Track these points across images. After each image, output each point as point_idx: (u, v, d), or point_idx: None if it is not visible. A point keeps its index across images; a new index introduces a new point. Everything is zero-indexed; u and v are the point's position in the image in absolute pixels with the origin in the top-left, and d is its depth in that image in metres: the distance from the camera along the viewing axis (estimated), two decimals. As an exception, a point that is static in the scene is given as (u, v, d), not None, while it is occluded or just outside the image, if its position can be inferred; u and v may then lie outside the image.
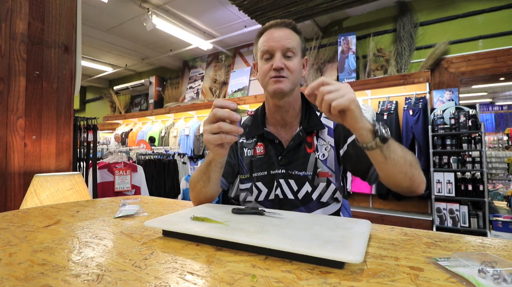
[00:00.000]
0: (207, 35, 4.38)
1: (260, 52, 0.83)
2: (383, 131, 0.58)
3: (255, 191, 0.88)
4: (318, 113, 0.89)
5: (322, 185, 0.83)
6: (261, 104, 0.97)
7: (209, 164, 0.75)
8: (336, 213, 0.85)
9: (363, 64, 3.56)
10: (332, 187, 0.83)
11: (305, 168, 0.84)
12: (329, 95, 0.55)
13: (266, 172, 0.87)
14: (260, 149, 0.89)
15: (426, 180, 0.70)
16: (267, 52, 0.81)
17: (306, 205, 0.84)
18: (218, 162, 0.74)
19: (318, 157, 0.84)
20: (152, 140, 4.64)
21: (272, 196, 0.86)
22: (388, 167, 0.63)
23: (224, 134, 0.63)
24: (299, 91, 0.88)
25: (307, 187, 0.83)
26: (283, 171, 0.85)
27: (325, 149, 0.84)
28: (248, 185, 0.89)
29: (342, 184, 0.88)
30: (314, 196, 0.83)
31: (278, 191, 0.85)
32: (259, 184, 0.87)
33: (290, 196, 0.84)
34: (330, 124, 0.86)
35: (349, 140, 0.80)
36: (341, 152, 0.83)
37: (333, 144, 0.84)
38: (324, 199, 0.83)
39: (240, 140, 0.93)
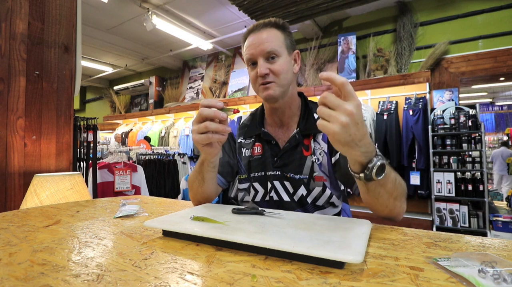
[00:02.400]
0: (207, 35, 4.38)
1: (246, 61, 0.83)
2: (373, 173, 0.53)
3: (252, 192, 0.87)
4: (316, 116, 0.86)
5: (317, 189, 0.81)
6: (261, 103, 0.97)
7: (202, 164, 0.74)
8: None
9: (363, 64, 3.56)
10: (328, 191, 0.81)
11: (301, 171, 0.82)
12: (322, 120, 0.50)
13: (262, 173, 0.86)
14: (257, 149, 0.89)
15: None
16: (250, 60, 0.81)
17: (303, 207, 0.83)
18: (210, 162, 0.73)
19: (315, 161, 0.82)
20: (147, 139, 4.63)
21: (267, 198, 0.85)
22: (368, 197, 0.61)
23: (211, 133, 0.62)
24: (294, 89, 0.86)
25: (302, 190, 0.82)
26: (278, 173, 0.84)
27: (320, 154, 0.83)
28: (246, 185, 0.89)
29: (341, 189, 0.86)
30: (309, 199, 0.82)
31: (273, 193, 0.84)
32: (256, 185, 0.87)
33: (286, 198, 0.83)
34: None
35: None
36: (333, 159, 0.81)
37: (326, 150, 0.82)
38: (320, 203, 0.82)
39: (239, 140, 0.93)
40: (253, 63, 0.81)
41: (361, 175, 0.55)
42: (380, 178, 0.54)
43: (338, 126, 0.47)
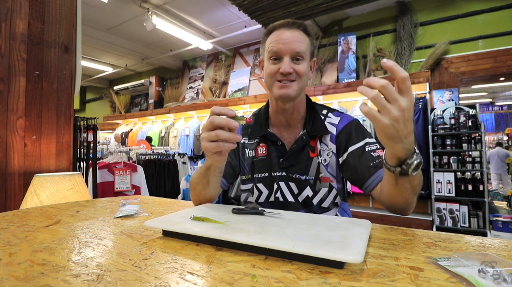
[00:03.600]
0: (207, 35, 4.38)
1: (268, 52, 0.80)
2: (410, 169, 0.53)
3: (256, 192, 0.87)
4: (323, 117, 0.87)
5: (324, 190, 0.82)
6: (261, 104, 0.96)
7: (208, 169, 0.74)
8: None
9: (363, 64, 3.56)
10: (334, 192, 0.82)
11: (307, 172, 0.82)
12: (373, 110, 0.49)
13: (267, 173, 0.86)
14: (262, 150, 0.88)
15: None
16: (275, 54, 0.79)
17: (308, 208, 0.83)
18: (217, 167, 0.73)
19: (321, 162, 0.82)
20: (149, 140, 4.64)
21: (272, 198, 0.85)
22: (393, 190, 0.62)
23: (222, 142, 0.62)
24: (304, 93, 0.87)
25: (308, 191, 0.82)
26: (284, 173, 0.84)
27: (327, 155, 0.83)
28: (249, 186, 0.89)
29: (342, 187, 0.87)
30: (315, 201, 0.82)
31: (278, 194, 0.84)
32: (260, 185, 0.87)
33: (291, 199, 0.83)
34: (333, 130, 0.85)
35: (350, 149, 0.80)
36: (340, 160, 0.82)
37: (334, 151, 0.83)
38: (325, 204, 0.82)
39: (242, 141, 0.92)
40: (275, 58, 0.79)
41: (397, 169, 0.55)
42: (414, 174, 0.55)
43: (389, 120, 0.48)
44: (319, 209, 0.82)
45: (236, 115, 0.63)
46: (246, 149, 0.91)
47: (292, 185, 0.83)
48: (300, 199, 0.83)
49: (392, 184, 0.61)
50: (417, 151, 0.55)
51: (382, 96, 0.48)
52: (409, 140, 0.51)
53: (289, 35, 0.78)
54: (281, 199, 0.84)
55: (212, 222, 0.55)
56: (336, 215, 0.85)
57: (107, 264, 0.40)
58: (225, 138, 0.61)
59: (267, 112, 0.92)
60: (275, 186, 0.84)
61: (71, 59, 1.68)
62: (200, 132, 4.34)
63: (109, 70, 6.09)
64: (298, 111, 0.86)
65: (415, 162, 0.53)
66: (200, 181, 0.78)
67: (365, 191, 0.77)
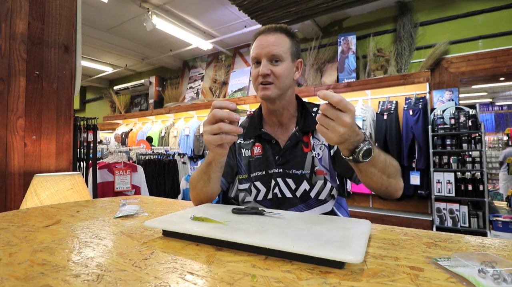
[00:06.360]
0: (207, 35, 4.38)
1: (251, 58, 0.87)
2: (360, 156, 0.59)
3: (254, 191, 0.88)
4: (314, 114, 0.91)
5: (319, 183, 0.84)
6: (260, 104, 0.99)
7: (210, 164, 0.75)
8: (332, 211, 0.87)
9: (363, 64, 3.56)
10: (329, 185, 0.85)
11: (303, 167, 0.85)
12: (322, 127, 0.57)
13: (264, 172, 0.88)
14: (258, 149, 0.91)
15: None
16: (255, 59, 0.85)
17: (305, 202, 0.85)
18: (219, 162, 0.75)
19: (315, 156, 0.86)
20: (149, 140, 4.63)
21: (270, 195, 0.87)
22: (362, 176, 0.69)
23: (224, 134, 0.64)
24: (293, 93, 0.91)
25: (305, 185, 0.85)
26: (280, 170, 0.87)
27: (320, 149, 0.87)
28: (246, 186, 0.90)
29: (339, 183, 0.89)
30: (312, 194, 0.85)
31: (276, 190, 0.86)
32: (258, 184, 0.88)
33: (288, 194, 0.85)
34: None
35: None
36: (332, 152, 0.86)
37: (326, 144, 0.87)
38: (322, 196, 0.85)
39: (238, 141, 0.95)
40: (257, 62, 0.85)
41: (350, 158, 0.62)
42: (367, 160, 0.61)
43: (336, 136, 0.55)
44: (317, 202, 0.85)
45: (237, 108, 0.65)
46: (242, 149, 0.94)
47: (289, 180, 0.86)
48: (298, 194, 0.85)
49: (358, 172, 0.68)
50: (367, 138, 0.61)
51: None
52: (355, 138, 0.58)
53: (267, 39, 0.84)
54: (279, 195, 0.86)
55: (212, 222, 0.55)
56: (333, 208, 0.87)
57: (107, 264, 0.40)
58: (227, 131, 0.63)
59: (261, 113, 0.96)
60: (273, 182, 0.87)
61: (71, 59, 1.68)
62: (200, 132, 4.35)
63: (109, 70, 6.09)
64: (288, 110, 0.90)
65: (364, 148, 0.59)
66: (201, 178, 0.79)
67: (355, 181, 0.81)
